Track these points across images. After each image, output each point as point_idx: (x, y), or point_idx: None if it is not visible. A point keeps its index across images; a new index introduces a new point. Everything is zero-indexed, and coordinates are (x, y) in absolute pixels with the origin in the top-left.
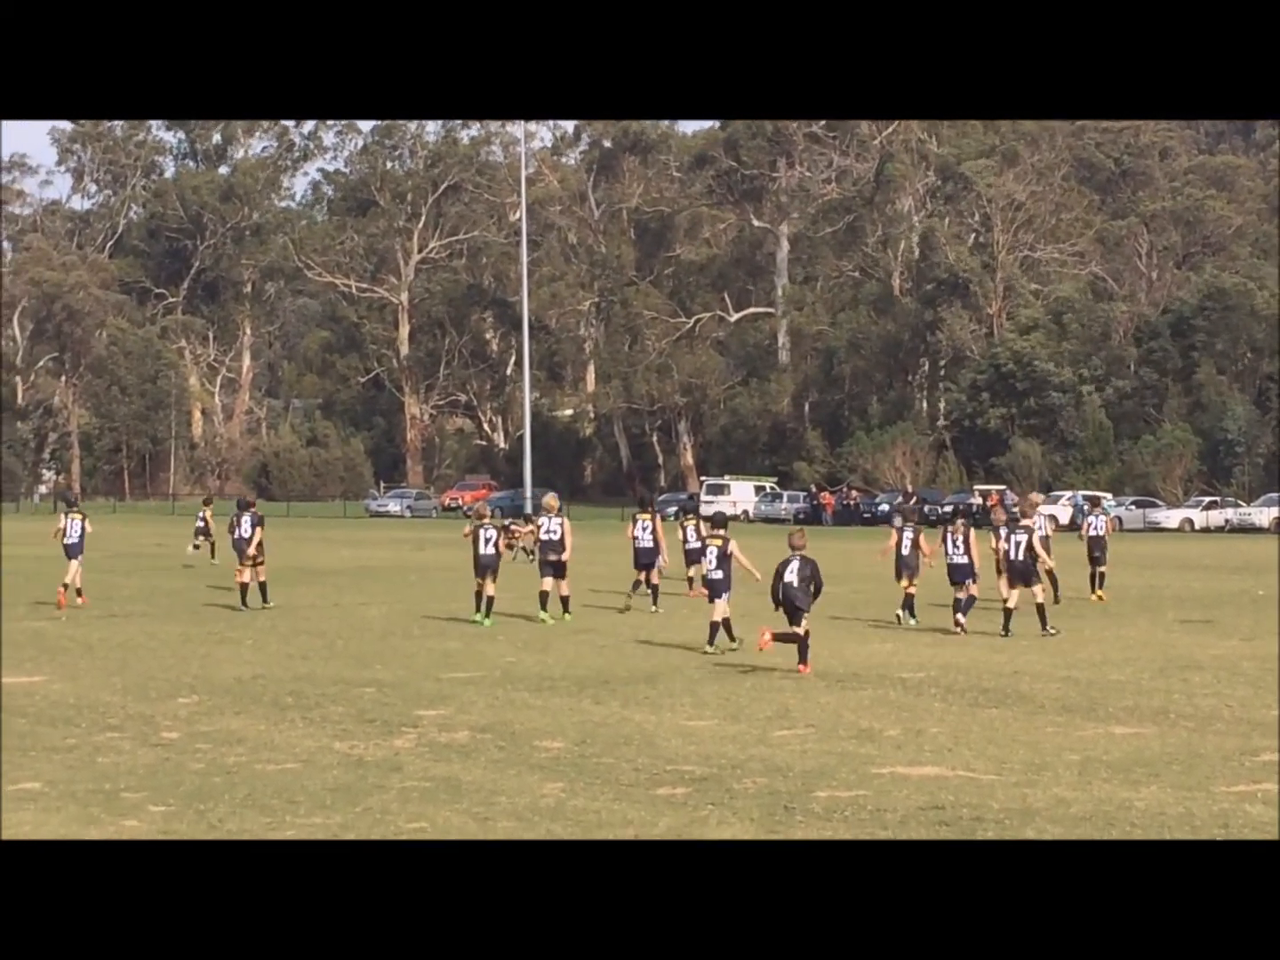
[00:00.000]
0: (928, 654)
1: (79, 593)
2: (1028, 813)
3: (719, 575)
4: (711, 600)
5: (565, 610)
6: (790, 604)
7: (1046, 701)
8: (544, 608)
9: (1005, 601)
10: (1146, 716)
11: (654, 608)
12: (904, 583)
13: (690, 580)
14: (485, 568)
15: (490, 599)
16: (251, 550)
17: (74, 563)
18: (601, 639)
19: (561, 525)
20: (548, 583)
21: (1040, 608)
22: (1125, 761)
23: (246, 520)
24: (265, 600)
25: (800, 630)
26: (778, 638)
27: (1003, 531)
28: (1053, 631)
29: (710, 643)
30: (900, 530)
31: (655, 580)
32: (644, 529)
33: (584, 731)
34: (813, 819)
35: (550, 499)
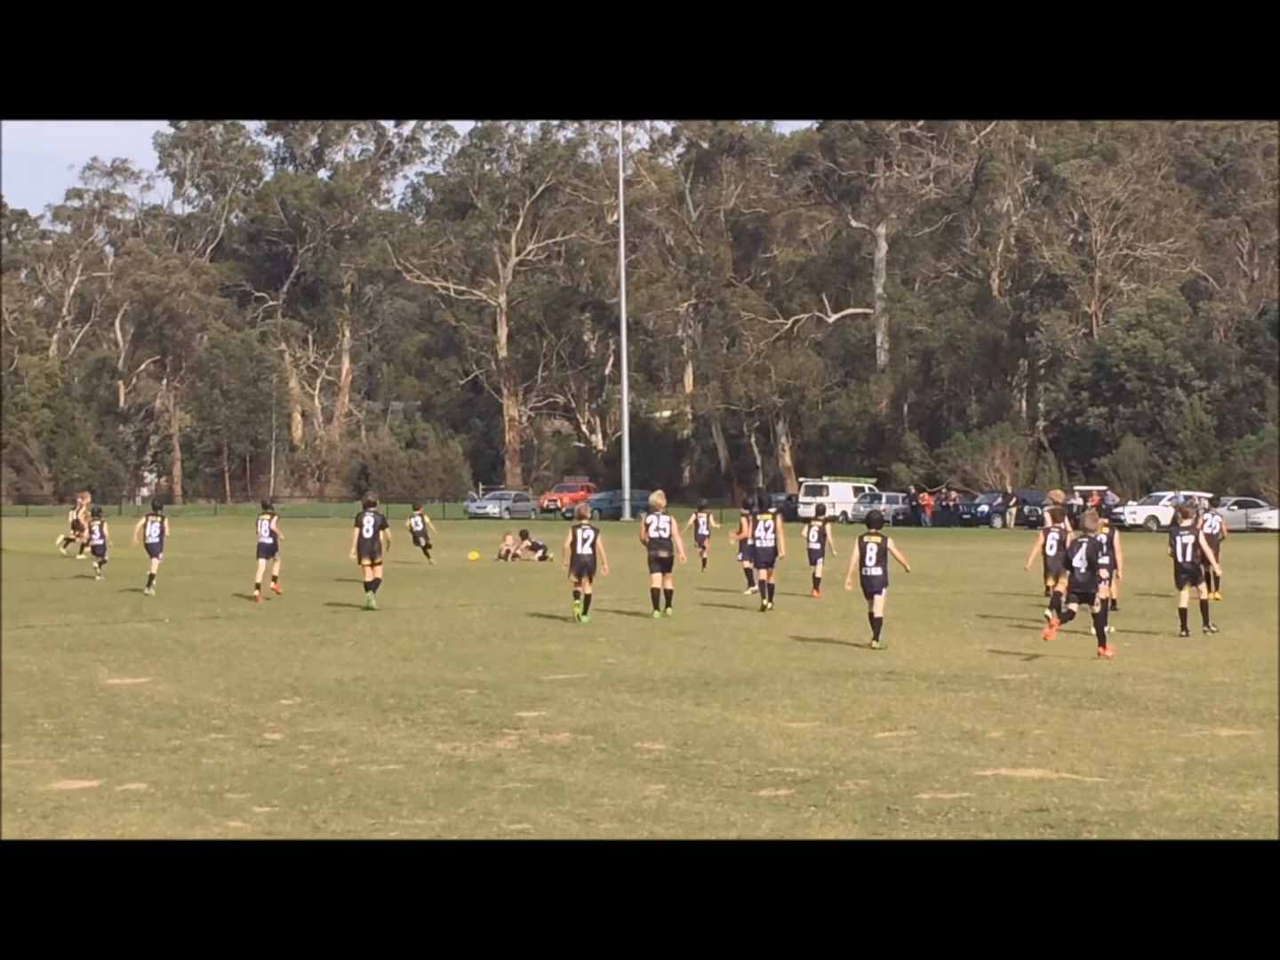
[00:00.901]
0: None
1: (253, 588)
2: (1133, 815)
3: (878, 572)
4: (870, 596)
5: (667, 604)
6: (1083, 590)
7: (1150, 703)
8: (656, 605)
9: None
10: (1252, 719)
11: (768, 603)
12: (1051, 582)
13: (817, 581)
14: (582, 567)
15: (588, 597)
16: (385, 547)
17: (262, 562)
18: (701, 640)
19: (670, 523)
20: (656, 579)
21: (1204, 605)
22: (1231, 764)
23: (370, 520)
24: (370, 597)
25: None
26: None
27: (1174, 535)
28: (1214, 629)
29: (876, 638)
30: (1047, 531)
31: (772, 580)
32: (765, 529)
33: (685, 733)
34: (916, 821)
35: (657, 497)
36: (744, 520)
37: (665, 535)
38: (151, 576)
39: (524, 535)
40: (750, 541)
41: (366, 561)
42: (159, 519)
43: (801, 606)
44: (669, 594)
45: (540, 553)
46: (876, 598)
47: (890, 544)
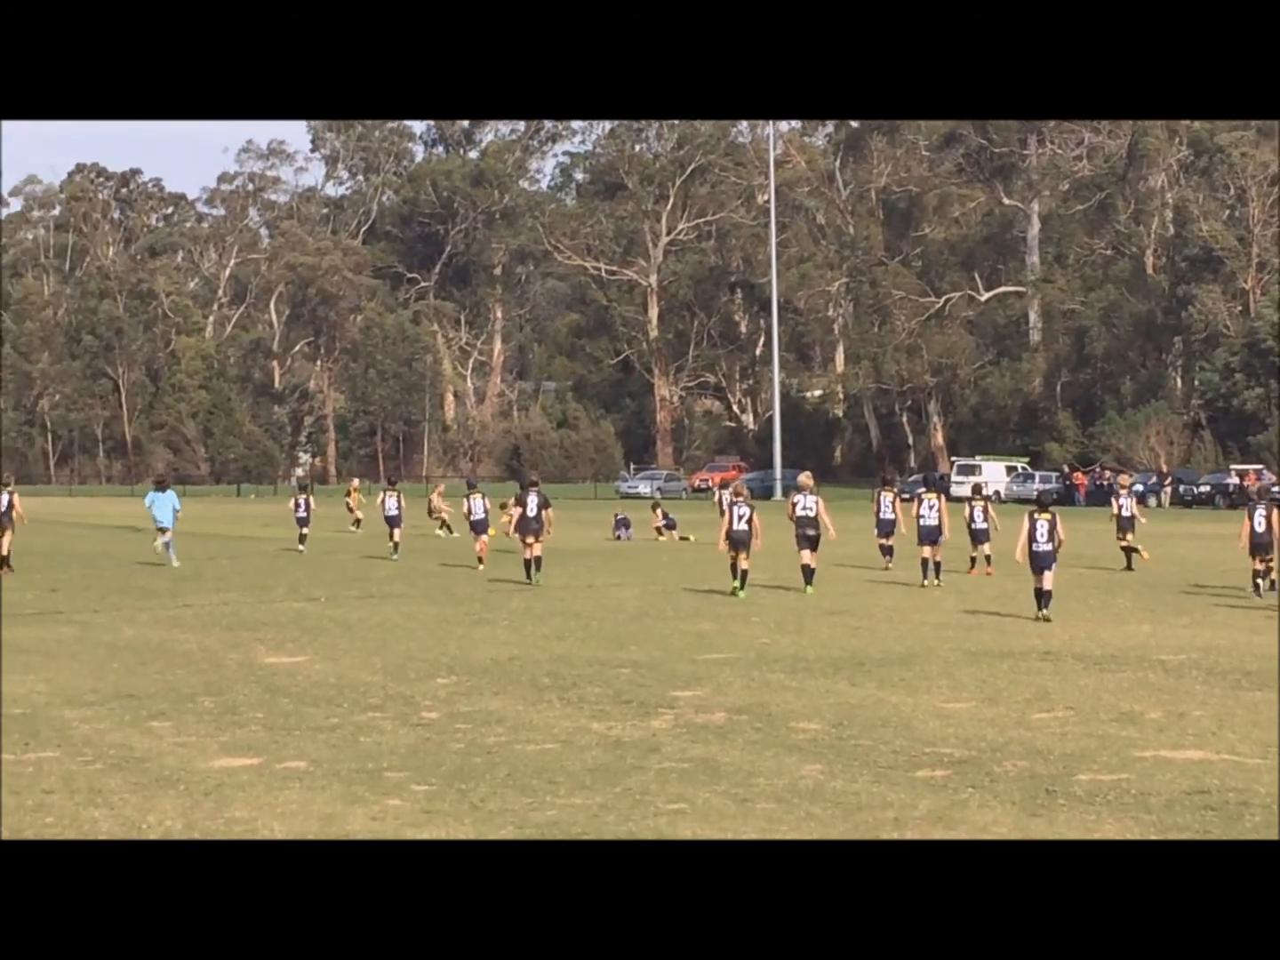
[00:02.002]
0: (1187, 636)
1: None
2: None
3: (1049, 548)
4: (1040, 571)
5: (808, 582)
6: None
7: None
8: (809, 582)
9: None
10: None
11: (936, 581)
12: (1256, 561)
13: (974, 560)
14: (738, 542)
15: (744, 572)
16: (551, 527)
17: (484, 537)
18: (855, 620)
19: (817, 502)
20: (805, 555)
21: None
22: None
23: (533, 499)
24: (533, 575)
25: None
26: None
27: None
28: None
29: (1042, 608)
30: (1253, 509)
31: (938, 557)
32: (930, 508)
33: (841, 713)
34: (1075, 803)
35: (805, 477)
36: (879, 496)
37: (812, 514)
38: (396, 545)
39: (656, 509)
40: (917, 520)
41: (531, 539)
42: (395, 493)
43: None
44: (810, 571)
45: (668, 523)
46: (1046, 573)
47: (1059, 522)
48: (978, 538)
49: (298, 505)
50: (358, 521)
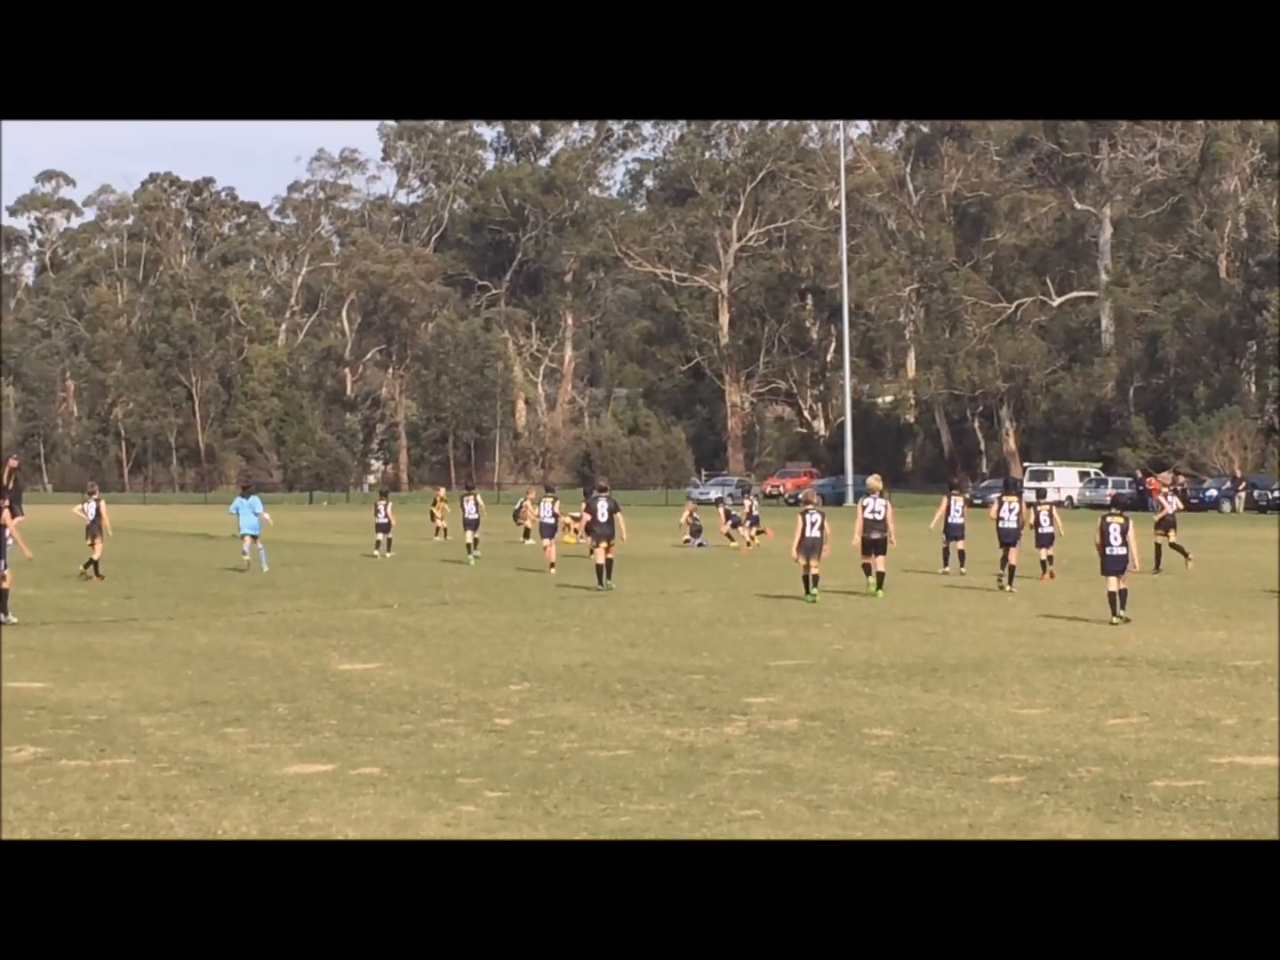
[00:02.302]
0: (1262, 641)
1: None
2: None
3: (1123, 551)
4: (1114, 574)
5: (878, 586)
6: None
7: None
8: (880, 586)
9: None
10: None
11: (1009, 588)
12: None
13: (1044, 564)
14: (809, 549)
15: (815, 577)
16: (624, 532)
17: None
18: (928, 625)
19: (885, 506)
20: (872, 559)
21: None
22: None
23: (603, 504)
24: (605, 580)
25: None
26: None
27: None
28: None
29: (1119, 609)
30: None
31: (1014, 561)
32: (1010, 510)
33: (914, 719)
34: (1150, 809)
35: (874, 480)
36: (950, 500)
37: (879, 518)
38: (471, 545)
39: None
40: (996, 522)
41: (602, 545)
42: (473, 497)
43: (1029, 591)
44: (880, 575)
45: (732, 520)
46: (1117, 577)
47: (1131, 527)
48: (1042, 541)
49: (378, 511)
50: (442, 531)
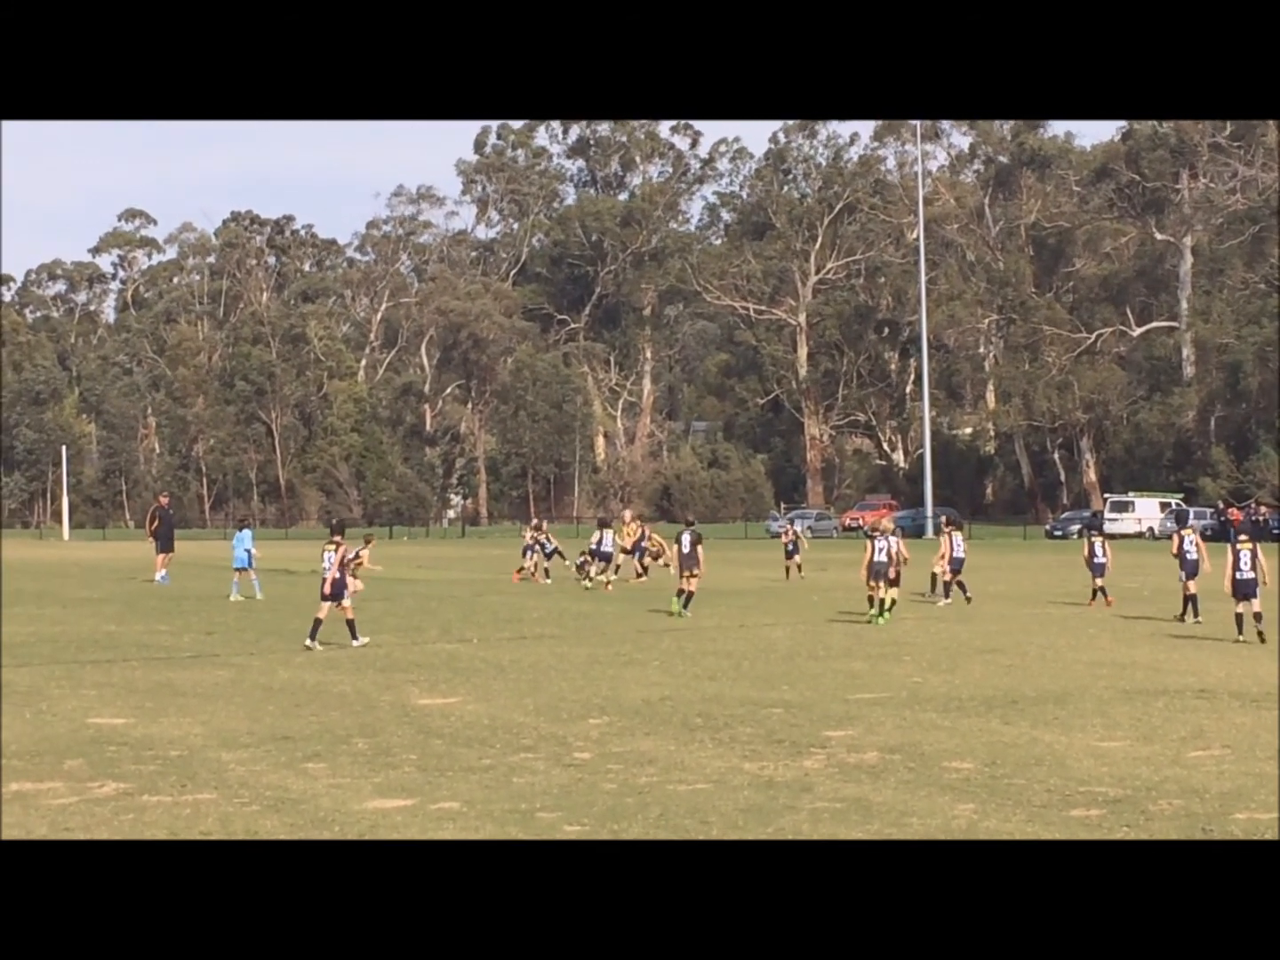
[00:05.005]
0: None
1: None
2: None
3: (1252, 575)
4: (1246, 598)
5: (884, 611)
6: None
7: None
8: (880, 612)
9: None
10: None
11: (1195, 619)
12: None
13: (1094, 592)
14: (876, 573)
15: (881, 600)
16: (700, 565)
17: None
18: (1008, 658)
19: (898, 542)
20: (876, 585)
21: None
22: None
23: (687, 537)
24: (683, 609)
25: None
26: None
27: None
28: None
29: (1258, 625)
30: None
31: (1194, 590)
32: (1190, 543)
33: (994, 752)
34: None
35: (886, 522)
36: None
37: (884, 559)
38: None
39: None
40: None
41: (687, 574)
42: (608, 531)
43: (1109, 625)
44: (880, 601)
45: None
46: (1252, 600)
47: (1260, 551)
48: (1096, 571)
49: (601, 541)
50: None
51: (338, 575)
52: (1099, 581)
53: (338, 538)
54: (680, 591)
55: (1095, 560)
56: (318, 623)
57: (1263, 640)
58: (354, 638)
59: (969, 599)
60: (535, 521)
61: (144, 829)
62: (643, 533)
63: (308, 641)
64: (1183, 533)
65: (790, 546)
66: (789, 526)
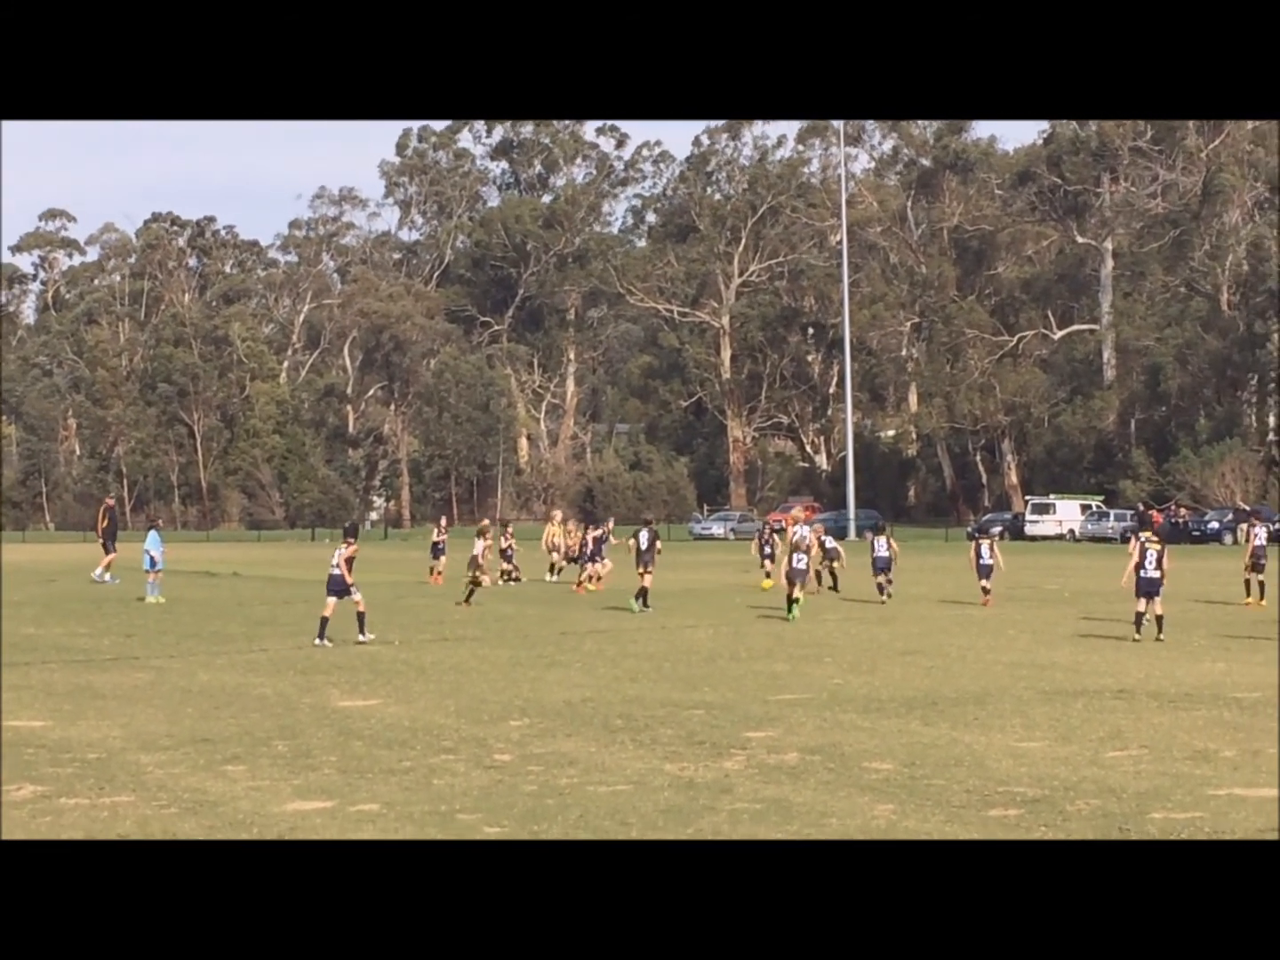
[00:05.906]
0: (1262, 673)
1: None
2: None
3: (1157, 574)
4: (1147, 596)
5: (793, 606)
6: None
7: None
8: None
9: None
10: None
11: (1160, 637)
12: None
13: (984, 591)
14: (791, 580)
15: (795, 600)
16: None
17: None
18: (928, 660)
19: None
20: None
21: None
22: None
23: (644, 534)
24: (645, 605)
25: None
26: None
27: None
28: None
29: (1160, 632)
30: None
31: (1159, 610)
32: (1150, 559)
33: (913, 753)
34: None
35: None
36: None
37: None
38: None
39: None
40: (979, 561)
41: (641, 570)
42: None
43: (1030, 625)
44: (795, 601)
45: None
46: (1156, 599)
47: (1166, 552)
48: (983, 573)
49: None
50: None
51: (335, 572)
52: (985, 583)
53: (350, 539)
54: (639, 593)
55: (981, 562)
56: (325, 620)
57: (1159, 639)
58: (361, 633)
59: (885, 600)
60: (490, 519)
61: (61, 831)
62: (603, 533)
63: (316, 640)
64: (1147, 546)
65: (767, 549)
66: (767, 529)
